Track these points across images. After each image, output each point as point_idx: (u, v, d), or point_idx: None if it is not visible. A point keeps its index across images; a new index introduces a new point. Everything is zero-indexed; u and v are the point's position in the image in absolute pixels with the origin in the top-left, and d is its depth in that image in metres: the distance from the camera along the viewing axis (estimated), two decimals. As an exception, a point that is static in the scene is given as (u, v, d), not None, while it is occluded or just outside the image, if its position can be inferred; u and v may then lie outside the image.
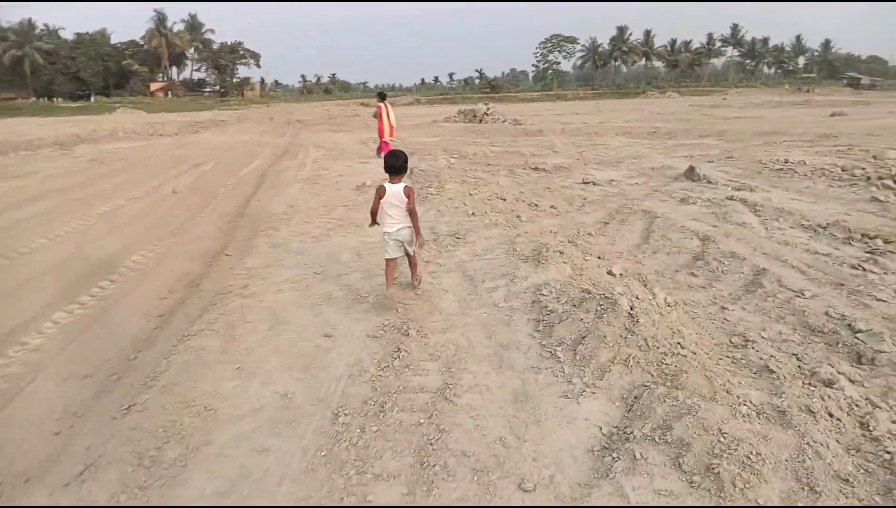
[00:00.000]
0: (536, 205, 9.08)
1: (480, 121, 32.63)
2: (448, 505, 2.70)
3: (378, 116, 15.26)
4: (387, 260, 5.12)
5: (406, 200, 5.04)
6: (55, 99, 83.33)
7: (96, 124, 38.28)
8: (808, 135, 19.61)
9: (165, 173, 14.17)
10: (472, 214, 7.46)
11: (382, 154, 14.24)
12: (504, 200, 8.32)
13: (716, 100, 64.73)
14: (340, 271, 5.63)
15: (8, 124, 42.90)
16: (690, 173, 12.47)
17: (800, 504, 2.64)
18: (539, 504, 2.72)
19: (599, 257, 5.97)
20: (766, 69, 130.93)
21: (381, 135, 15.39)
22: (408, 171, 5.45)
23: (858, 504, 2.68)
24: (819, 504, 2.64)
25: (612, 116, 38.56)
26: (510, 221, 7.40)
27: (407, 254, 5.25)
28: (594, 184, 12.02)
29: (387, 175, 5.11)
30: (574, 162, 15.54)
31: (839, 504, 2.66)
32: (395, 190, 5.07)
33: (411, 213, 5.07)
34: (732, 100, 63.44)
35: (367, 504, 2.69)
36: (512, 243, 6.32)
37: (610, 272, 5.17)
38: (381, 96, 15.73)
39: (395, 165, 5.07)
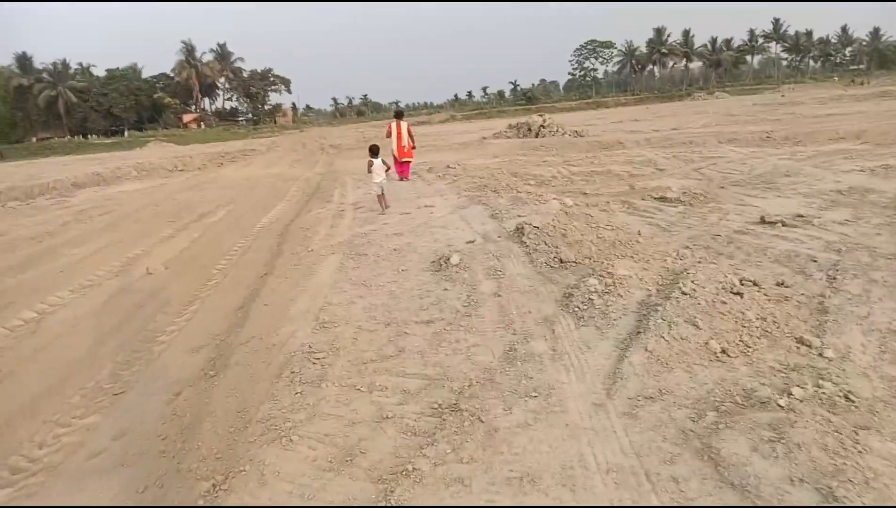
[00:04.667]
0: (758, 286, 4.81)
1: (537, 135, 28.46)
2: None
3: (389, 135, 13.91)
4: (377, 195, 9.67)
5: (384, 165, 9.81)
6: (89, 136, 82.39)
7: (122, 161, 35.70)
8: None
9: (158, 232, 10.41)
10: (723, 352, 3.34)
11: (402, 177, 13.87)
12: (740, 295, 4.09)
13: (772, 97, 59.59)
14: None
15: (33, 166, 40.57)
16: (934, 201, 8.14)
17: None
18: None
19: None
20: (811, 63, 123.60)
21: (393, 158, 13.74)
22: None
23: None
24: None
25: (679, 120, 34.12)
26: (811, 361, 3.25)
27: (383, 190, 9.64)
28: (783, 225, 7.90)
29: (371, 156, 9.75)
30: (702, 185, 11.41)
31: None
32: (378, 162, 9.66)
33: (389, 167, 10.14)
34: (792, 96, 58.19)
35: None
36: None
37: None
38: (398, 114, 14.30)
39: (376, 150, 9.83)
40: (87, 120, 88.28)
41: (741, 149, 16.74)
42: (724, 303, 3.91)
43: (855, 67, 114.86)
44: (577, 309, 4.07)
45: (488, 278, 5.06)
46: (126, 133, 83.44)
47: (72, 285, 7.18)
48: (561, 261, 5.58)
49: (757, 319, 3.83)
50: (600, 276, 4.43)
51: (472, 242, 6.48)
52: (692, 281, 4.12)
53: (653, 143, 20.35)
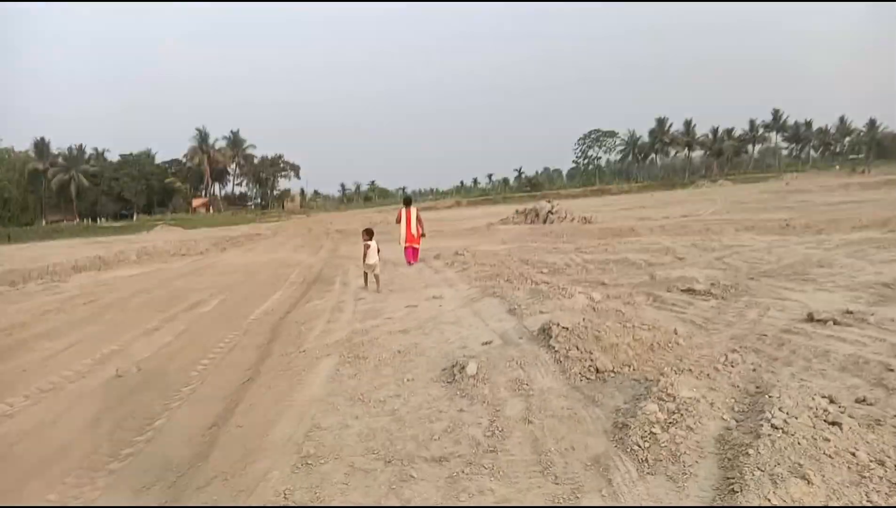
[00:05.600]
0: (837, 404, 3.86)
1: (545, 221, 28.10)
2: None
3: (399, 220, 14.10)
4: (365, 274, 10.65)
5: (377, 249, 10.52)
6: (99, 219, 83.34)
7: (127, 244, 35.50)
8: None
9: (142, 324, 9.57)
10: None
11: (412, 263, 13.99)
12: (838, 425, 3.14)
13: (777, 186, 59.87)
14: None
15: (39, 249, 40.28)
16: None
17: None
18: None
19: None
20: (812, 153, 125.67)
21: (401, 241, 14.17)
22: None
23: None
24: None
25: (687, 208, 33.89)
26: None
27: (376, 274, 10.45)
28: (835, 323, 7.03)
29: (365, 238, 10.65)
30: (730, 276, 10.62)
31: None
32: (373, 245, 10.45)
33: (378, 251, 10.49)
34: (797, 184, 58.42)
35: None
36: None
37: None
38: (406, 201, 14.65)
39: (371, 232, 10.75)
40: (97, 203, 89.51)
41: (762, 237, 16.06)
42: (827, 440, 2.98)
43: (854, 156, 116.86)
44: (636, 447, 3.12)
45: (514, 394, 4.14)
46: (135, 217, 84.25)
47: (29, 389, 6.26)
48: (597, 370, 4.67)
49: (872, 462, 2.89)
50: (660, 399, 3.50)
51: (490, 343, 5.59)
52: (780, 409, 3.20)
53: (667, 230, 19.77)
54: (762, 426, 3.06)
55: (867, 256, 11.71)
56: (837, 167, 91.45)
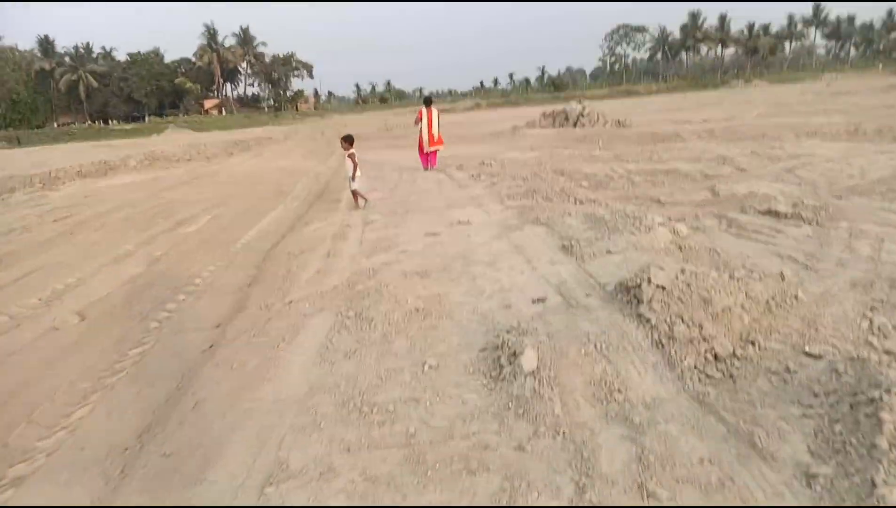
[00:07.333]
0: None
1: (574, 124, 25.75)
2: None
3: (419, 122, 13.21)
4: (352, 190, 9.65)
5: (350, 162, 9.38)
6: (110, 122, 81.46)
7: (135, 148, 33.83)
8: None
9: (114, 248, 8.08)
10: None
11: (430, 168, 13.31)
12: None
13: (817, 87, 55.52)
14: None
15: (47, 152, 38.66)
16: None
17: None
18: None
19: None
20: (852, 51, 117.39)
21: (420, 147, 13.51)
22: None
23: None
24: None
25: (728, 110, 31.16)
26: None
27: (353, 189, 9.60)
28: None
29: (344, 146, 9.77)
30: (809, 193, 8.80)
31: None
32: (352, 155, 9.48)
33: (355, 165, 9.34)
34: (838, 86, 54.21)
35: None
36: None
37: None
38: (427, 101, 13.61)
39: (350, 139, 9.77)
40: (107, 105, 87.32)
41: (830, 144, 13.94)
42: None
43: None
44: None
45: (605, 416, 2.53)
46: (147, 119, 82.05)
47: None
48: (716, 357, 3.06)
49: None
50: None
51: (544, 301, 3.97)
52: None
53: (716, 135, 17.57)
54: None
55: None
56: (881, 66, 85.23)
